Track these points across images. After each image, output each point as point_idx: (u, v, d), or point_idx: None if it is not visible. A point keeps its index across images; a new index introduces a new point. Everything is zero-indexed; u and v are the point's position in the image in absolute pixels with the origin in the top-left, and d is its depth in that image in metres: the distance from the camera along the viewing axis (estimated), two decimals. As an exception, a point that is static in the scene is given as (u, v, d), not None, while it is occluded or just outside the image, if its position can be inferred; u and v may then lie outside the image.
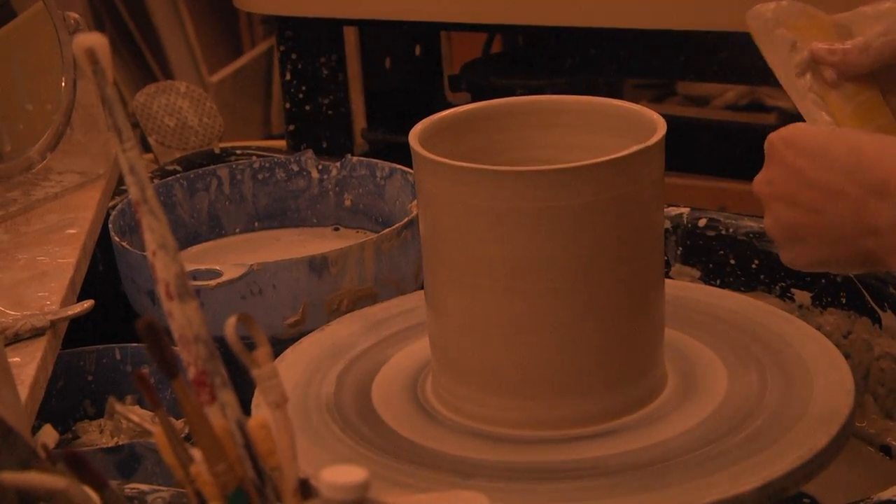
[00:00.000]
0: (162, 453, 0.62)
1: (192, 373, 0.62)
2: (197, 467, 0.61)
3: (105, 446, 1.15)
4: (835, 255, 0.86)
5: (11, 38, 1.42)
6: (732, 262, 1.27)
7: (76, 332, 1.23)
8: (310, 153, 1.49)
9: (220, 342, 0.62)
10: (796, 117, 0.95)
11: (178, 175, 1.47)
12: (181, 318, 0.62)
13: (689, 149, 1.81)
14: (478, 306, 0.98)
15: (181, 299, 0.62)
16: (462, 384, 1.01)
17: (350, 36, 1.76)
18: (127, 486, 0.91)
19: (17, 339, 1.10)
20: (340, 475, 0.56)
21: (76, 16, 1.41)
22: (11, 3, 1.43)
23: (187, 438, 0.63)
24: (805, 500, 1.09)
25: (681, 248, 1.30)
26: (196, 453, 0.61)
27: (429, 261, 1.01)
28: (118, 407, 1.21)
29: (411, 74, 1.86)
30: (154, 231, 0.62)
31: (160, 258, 0.62)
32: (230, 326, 0.61)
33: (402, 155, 1.11)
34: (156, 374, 1.06)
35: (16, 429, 0.61)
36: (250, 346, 0.62)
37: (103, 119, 1.44)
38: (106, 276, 1.41)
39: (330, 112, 1.73)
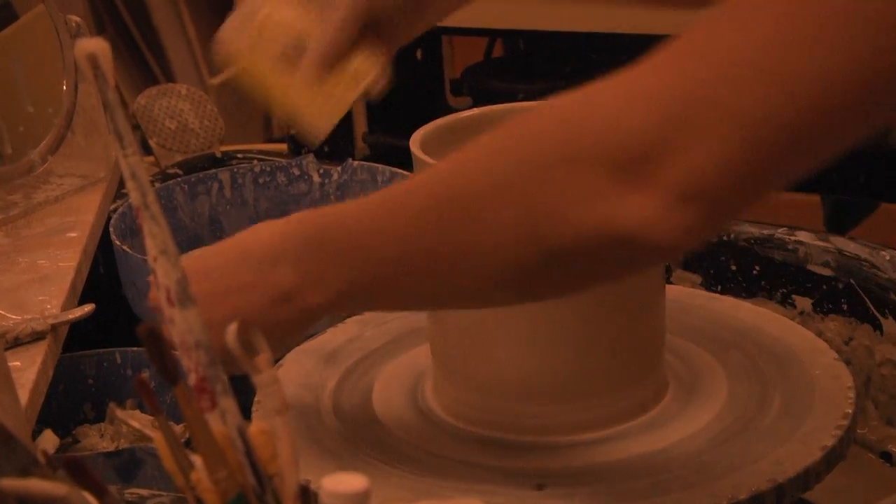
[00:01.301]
0: (162, 459, 0.62)
1: (192, 379, 0.61)
2: (197, 474, 0.61)
3: (105, 451, 1.14)
4: None
5: (13, 40, 1.42)
6: (733, 267, 1.27)
7: (77, 336, 1.23)
8: (311, 157, 1.49)
9: (221, 348, 0.62)
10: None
11: (179, 178, 1.46)
12: (182, 324, 0.61)
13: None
14: (478, 311, 0.98)
15: (182, 305, 0.62)
16: (462, 389, 1.01)
17: (351, 39, 1.76)
18: (127, 492, 0.91)
19: (17, 343, 1.10)
20: (341, 483, 0.56)
21: (77, 18, 1.41)
22: (13, 5, 1.43)
23: (187, 444, 0.63)
24: (806, 507, 1.09)
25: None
26: (196, 459, 0.61)
27: (430, 266, 1.01)
28: (118, 412, 1.20)
29: (413, 78, 1.86)
30: (155, 237, 0.62)
31: (161, 264, 0.62)
32: (231, 333, 0.60)
33: (404, 159, 1.11)
34: (156, 379, 1.06)
35: (16, 434, 0.61)
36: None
37: (104, 122, 1.44)
38: (107, 279, 1.41)
39: (331, 116, 1.73)
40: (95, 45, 0.61)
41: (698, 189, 0.69)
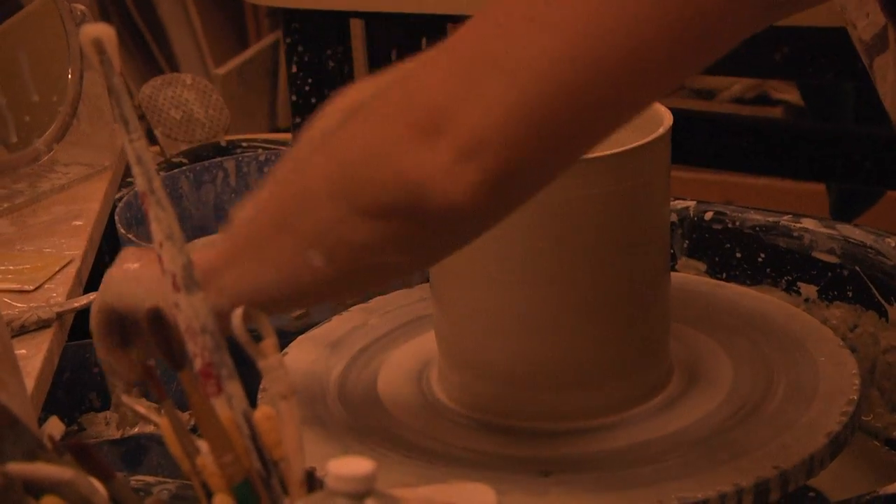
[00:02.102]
0: (168, 445, 0.62)
1: (198, 364, 0.62)
2: (203, 459, 0.61)
3: (111, 438, 1.15)
4: None
5: (18, 29, 1.42)
6: (739, 255, 1.27)
7: (82, 325, 1.23)
8: (316, 145, 1.49)
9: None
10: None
11: (184, 167, 1.46)
12: (188, 310, 0.62)
13: (696, 142, 1.80)
14: (484, 298, 0.98)
15: (188, 290, 0.62)
16: (467, 376, 1.01)
17: (356, 28, 1.76)
18: (133, 479, 0.91)
19: (23, 330, 1.10)
20: (347, 466, 0.56)
21: (82, 7, 1.41)
22: (18, -6, 1.43)
23: (193, 430, 0.63)
24: (810, 494, 1.08)
25: (687, 242, 1.29)
26: (202, 445, 0.61)
27: (435, 253, 1.01)
28: (125, 398, 1.21)
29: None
30: (161, 222, 0.62)
31: (167, 249, 0.62)
32: (237, 318, 0.61)
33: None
34: (161, 365, 1.06)
35: (22, 420, 0.61)
36: (256, 337, 0.62)
37: (110, 110, 1.44)
38: (112, 268, 1.41)
39: (336, 104, 1.73)
40: (101, 30, 0.61)
41: (481, 145, 0.70)
